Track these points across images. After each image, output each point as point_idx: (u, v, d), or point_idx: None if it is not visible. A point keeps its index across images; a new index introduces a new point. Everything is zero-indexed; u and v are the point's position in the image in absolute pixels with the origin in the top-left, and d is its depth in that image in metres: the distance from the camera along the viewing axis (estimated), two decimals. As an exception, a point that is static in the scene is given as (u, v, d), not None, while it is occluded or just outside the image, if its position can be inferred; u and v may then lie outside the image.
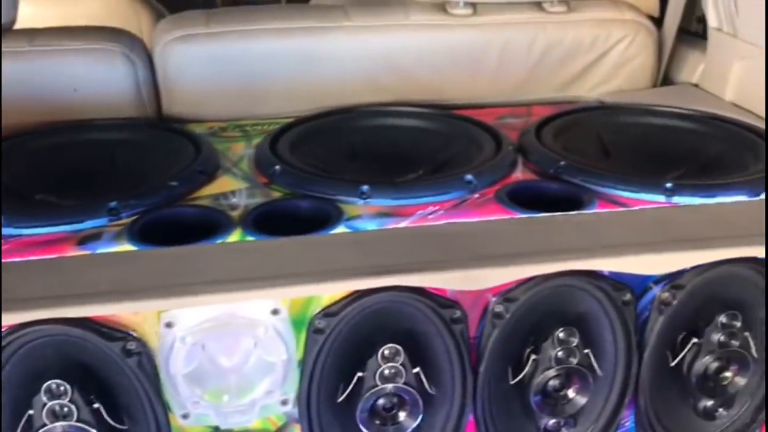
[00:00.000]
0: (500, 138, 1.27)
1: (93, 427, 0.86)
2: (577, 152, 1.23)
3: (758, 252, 0.97)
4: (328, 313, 0.89)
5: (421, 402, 0.93)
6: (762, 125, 1.33)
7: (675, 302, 0.96)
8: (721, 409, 1.04)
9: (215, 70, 1.42)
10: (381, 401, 0.94)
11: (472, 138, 1.29)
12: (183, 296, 0.84)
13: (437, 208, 1.08)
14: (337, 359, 0.92)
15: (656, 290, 0.96)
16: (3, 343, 0.82)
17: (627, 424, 1.07)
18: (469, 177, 1.12)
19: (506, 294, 0.93)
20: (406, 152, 1.31)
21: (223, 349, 0.90)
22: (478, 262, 0.92)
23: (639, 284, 0.96)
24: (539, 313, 0.95)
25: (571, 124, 1.36)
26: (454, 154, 1.27)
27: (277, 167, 1.15)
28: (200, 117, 1.43)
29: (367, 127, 1.37)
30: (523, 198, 1.10)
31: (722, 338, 0.99)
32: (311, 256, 0.92)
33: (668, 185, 1.09)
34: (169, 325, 0.86)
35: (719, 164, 1.24)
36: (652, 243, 0.95)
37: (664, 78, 1.66)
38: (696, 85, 1.58)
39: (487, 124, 1.33)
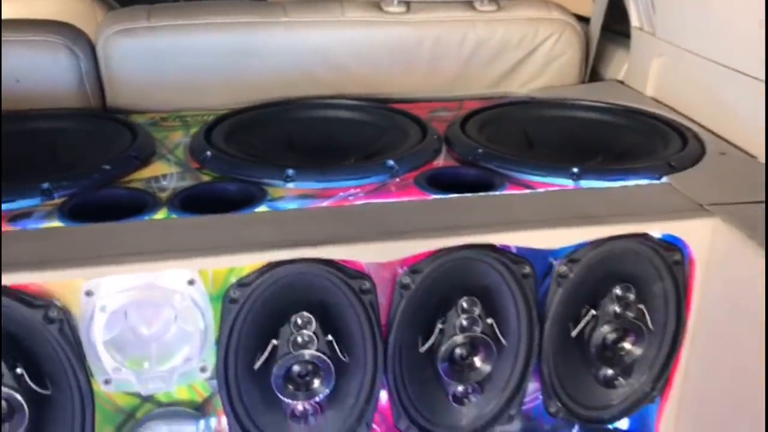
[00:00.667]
0: (427, 129, 1.33)
1: (17, 392, 0.91)
2: (501, 143, 1.30)
3: (650, 229, 1.04)
4: (242, 283, 0.94)
5: (333, 369, 0.99)
6: (678, 118, 1.41)
7: (572, 275, 1.03)
8: (620, 378, 1.11)
9: (156, 62, 1.48)
10: (296, 368, 0.99)
11: (402, 129, 1.36)
12: (102, 265, 0.90)
13: (358, 191, 1.14)
14: (252, 328, 0.97)
15: (554, 264, 1.03)
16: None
17: (537, 401, 1.14)
18: (390, 162, 1.19)
19: (413, 266, 0.99)
20: (340, 143, 1.37)
21: (142, 317, 0.95)
22: (386, 235, 0.98)
23: (538, 258, 1.03)
24: (445, 285, 1.02)
25: (497, 117, 1.43)
26: (385, 144, 1.33)
27: (209, 153, 1.21)
28: (143, 108, 1.48)
29: (303, 119, 1.43)
30: (440, 183, 1.17)
31: (618, 310, 1.06)
32: (228, 231, 0.98)
33: (575, 170, 1.16)
34: (89, 293, 0.91)
35: (633, 153, 1.32)
36: (551, 219, 1.02)
37: (594, 74, 1.74)
38: (621, 82, 1.66)
39: (418, 117, 1.40)
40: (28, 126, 1.34)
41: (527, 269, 1.02)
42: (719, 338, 1.07)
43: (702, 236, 1.04)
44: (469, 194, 1.10)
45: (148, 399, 1.06)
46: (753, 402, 0.96)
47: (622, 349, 1.09)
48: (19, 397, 0.91)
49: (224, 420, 1.04)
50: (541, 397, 1.16)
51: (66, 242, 0.94)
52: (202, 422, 1.06)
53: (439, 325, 1.03)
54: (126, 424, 1.05)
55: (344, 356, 1.01)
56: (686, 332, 1.10)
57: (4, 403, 0.91)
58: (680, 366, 1.13)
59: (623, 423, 1.22)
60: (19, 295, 0.89)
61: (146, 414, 1.06)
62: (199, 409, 1.07)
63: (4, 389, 0.90)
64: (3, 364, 0.90)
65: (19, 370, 0.91)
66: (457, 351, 1.04)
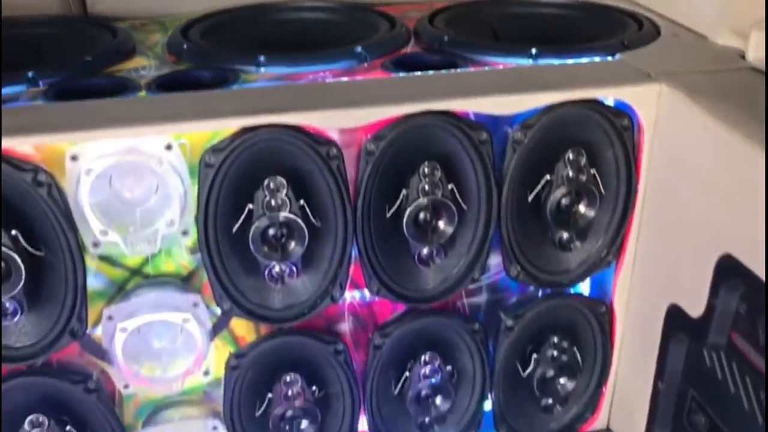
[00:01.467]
0: (396, 22, 1.39)
1: (12, 251, 0.98)
2: (468, 35, 1.36)
3: (600, 94, 1.11)
4: (216, 148, 1.01)
5: (306, 232, 1.07)
6: (639, 9, 1.47)
7: (527, 141, 1.10)
8: (576, 242, 1.19)
9: (135, -32, 1.52)
10: (271, 231, 1.07)
11: (372, 25, 1.41)
12: (85, 131, 0.97)
13: (327, 74, 1.21)
14: (228, 192, 1.05)
15: (510, 131, 1.10)
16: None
17: (500, 273, 1.23)
18: (359, 49, 1.25)
19: (377, 134, 1.06)
20: (313, 41, 1.42)
21: (125, 183, 1.02)
22: (351, 103, 1.05)
23: (495, 125, 1.10)
24: (408, 152, 1.09)
25: (464, 13, 1.49)
26: (356, 38, 1.39)
27: (185, 45, 1.27)
28: (123, 14, 1.53)
29: (278, 21, 1.48)
30: (407, 66, 1.23)
31: (571, 174, 1.13)
32: (202, 104, 1.05)
33: (533, 50, 1.22)
34: (74, 158, 0.98)
35: (592, 39, 1.37)
36: (506, 87, 1.09)
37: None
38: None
39: (388, 14, 1.45)
40: (12, 32, 1.39)
41: (484, 135, 1.09)
42: (668, 200, 1.15)
43: (649, 102, 1.11)
44: (431, 72, 1.17)
45: (136, 272, 1.14)
46: (701, 259, 1.03)
47: (577, 212, 1.17)
48: (15, 256, 0.98)
49: (209, 289, 1.13)
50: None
51: (51, 113, 1.01)
52: (188, 292, 1.15)
53: (404, 191, 1.10)
54: (116, 296, 1.13)
55: (316, 220, 1.08)
56: (637, 196, 1.17)
57: (1, 263, 0.99)
58: (633, 230, 1.21)
59: (585, 288, 1.31)
60: (9, 159, 0.96)
61: (136, 285, 1.14)
62: (185, 281, 1.16)
63: (3, 249, 0.98)
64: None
65: (14, 232, 0.99)
66: (421, 215, 1.12)
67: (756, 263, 0.94)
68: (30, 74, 1.15)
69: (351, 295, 1.23)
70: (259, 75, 1.19)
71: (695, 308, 1.07)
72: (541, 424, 1.37)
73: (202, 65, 1.23)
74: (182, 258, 1.15)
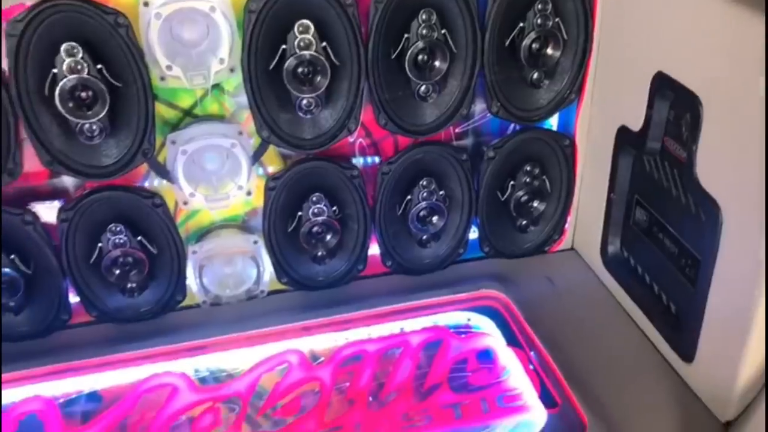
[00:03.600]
0: None
1: (100, 81, 1.24)
2: None
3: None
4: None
5: (328, 68, 1.33)
6: None
7: (504, -7, 1.37)
8: (545, 80, 1.47)
9: None
10: (300, 69, 1.33)
11: None
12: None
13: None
14: (267, 35, 1.30)
15: (490, -17, 1.36)
16: (32, 16, 1.19)
17: (484, 118, 1.52)
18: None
19: (382, -13, 1.32)
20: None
21: (185, 27, 1.28)
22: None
23: (478, -22, 1.36)
24: (409, 1, 1.35)
25: None
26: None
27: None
28: None
29: None
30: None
31: (539, 21, 1.40)
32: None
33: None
34: (146, 4, 1.24)
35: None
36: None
37: None
38: None
39: None
40: None
41: (468, -13, 1.35)
42: (615, 39, 1.42)
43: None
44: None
45: (188, 113, 1.41)
46: (640, 80, 1.31)
47: (545, 54, 1.44)
48: (102, 86, 1.24)
49: (249, 123, 1.39)
50: (488, 115, 1.53)
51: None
52: (234, 123, 1.41)
53: (406, 35, 1.37)
54: (174, 130, 1.40)
55: (336, 60, 1.35)
56: (593, 40, 1.45)
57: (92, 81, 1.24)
58: (591, 70, 1.49)
59: (552, 124, 1.59)
60: (96, 5, 1.21)
61: (186, 123, 1.41)
62: (224, 120, 1.42)
63: (90, 77, 1.23)
64: (88, 58, 1.23)
65: (99, 66, 1.25)
66: (420, 56, 1.38)
67: (682, 75, 1.22)
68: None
69: (361, 139, 1.51)
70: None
71: (637, 124, 1.36)
72: (517, 243, 1.67)
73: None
74: (226, 101, 1.42)
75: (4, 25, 1.19)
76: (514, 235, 1.66)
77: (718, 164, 1.16)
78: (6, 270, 1.36)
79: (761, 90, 1.02)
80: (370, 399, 1.29)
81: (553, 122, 1.59)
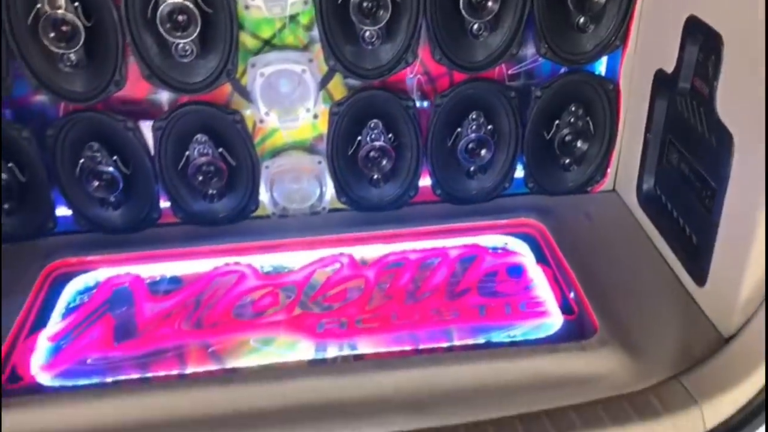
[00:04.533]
0: None
1: (192, 4, 1.45)
2: None
3: None
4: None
5: (389, 3, 1.50)
6: None
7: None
8: (591, 25, 1.59)
9: None
10: (365, 3, 1.50)
11: None
12: None
13: None
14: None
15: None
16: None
17: (535, 63, 1.65)
18: None
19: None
20: None
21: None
22: None
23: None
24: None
25: None
26: None
27: None
28: None
29: None
30: None
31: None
32: None
33: None
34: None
35: None
36: None
37: None
38: None
39: None
40: None
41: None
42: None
43: None
44: None
45: (267, 42, 1.61)
46: (675, 24, 1.41)
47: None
48: (194, 9, 1.46)
49: (319, 54, 1.59)
50: (539, 60, 1.67)
51: None
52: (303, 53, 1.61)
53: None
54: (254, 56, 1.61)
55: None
56: (637, -10, 1.56)
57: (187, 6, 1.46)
58: (635, 17, 1.59)
59: (599, 69, 1.71)
60: None
61: (264, 51, 1.61)
62: (302, 49, 1.62)
63: (187, 2, 1.45)
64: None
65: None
66: (477, -3, 1.53)
67: (709, 18, 1.32)
68: None
69: (419, 76, 1.67)
70: None
71: (671, 66, 1.47)
72: (561, 181, 1.80)
73: None
74: (299, 33, 1.61)
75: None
76: (557, 174, 1.79)
77: (734, 99, 1.27)
78: (109, 169, 1.61)
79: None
80: (407, 296, 1.47)
81: (599, 67, 1.71)
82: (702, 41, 1.37)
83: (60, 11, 1.43)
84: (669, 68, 1.48)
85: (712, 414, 1.18)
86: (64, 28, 1.45)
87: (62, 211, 1.70)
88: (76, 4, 1.45)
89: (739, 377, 1.21)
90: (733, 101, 1.27)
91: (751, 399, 1.19)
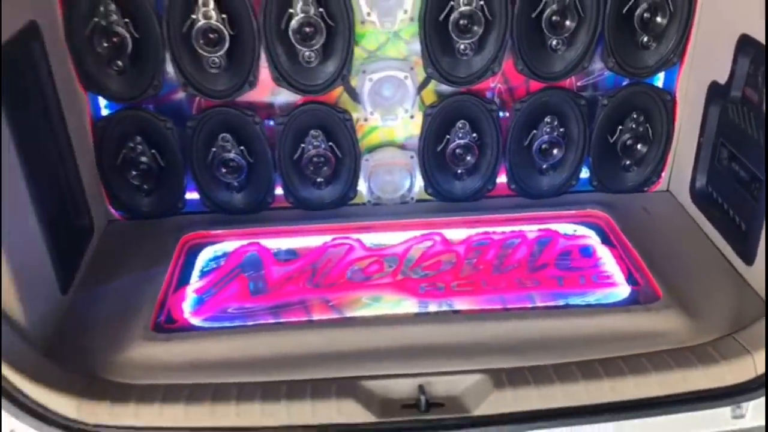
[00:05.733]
0: None
1: (318, 17, 1.74)
2: None
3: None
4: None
5: (483, 21, 1.77)
6: None
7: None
8: (653, 44, 1.85)
9: None
10: (461, 21, 1.78)
11: None
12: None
13: None
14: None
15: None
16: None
17: (601, 76, 1.91)
18: None
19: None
20: None
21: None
22: None
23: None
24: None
25: None
26: None
27: None
28: None
29: None
30: None
31: (651, -8, 1.79)
32: None
33: None
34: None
35: None
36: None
37: None
38: None
39: None
40: None
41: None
42: (712, 12, 1.78)
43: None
44: None
45: (373, 54, 1.89)
46: (728, 41, 1.66)
47: (654, 21, 1.82)
48: (321, 23, 1.74)
49: (418, 63, 1.87)
50: (605, 74, 1.93)
51: None
52: (406, 62, 1.89)
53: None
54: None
55: (489, 16, 1.80)
56: (695, 14, 1.81)
57: (315, 19, 1.75)
58: (692, 37, 1.85)
59: (659, 82, 1.96)
60: None
61: (372, 60, 1.90)
62: (403, 60, 1.90)
63: (315, 17, 1.74)
64: (314, 2, 1.74)
65: (320, 9, 1.75)
66: (554, 17, 1.80)
67: (760, 35, 1.58)
68: None
69: (500, 85, 1.94)
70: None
71: (724, 78, 1.72)
72: (622, 180, 2.04)
73: None
74: (401, 47, 1.89)
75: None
76: (619, 173, 2.03)
77: (781, 102, 1.52)
78: (238, 156, 1.89)
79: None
80: (493, 268, 1.72)
81: (657, 80, 1.96)
82: (753, 55, 1.62)
83: (212, 21, 1.73)
84: (722, 80, 1.73)
85: (762, 362, 1.41)
86: (211, 35, 1.75)
87: (189, 195, 1.98)
88: (224, 15, 1.74)
89: (784, 334, 1.44)
90: (779, 104, 1.52)
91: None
